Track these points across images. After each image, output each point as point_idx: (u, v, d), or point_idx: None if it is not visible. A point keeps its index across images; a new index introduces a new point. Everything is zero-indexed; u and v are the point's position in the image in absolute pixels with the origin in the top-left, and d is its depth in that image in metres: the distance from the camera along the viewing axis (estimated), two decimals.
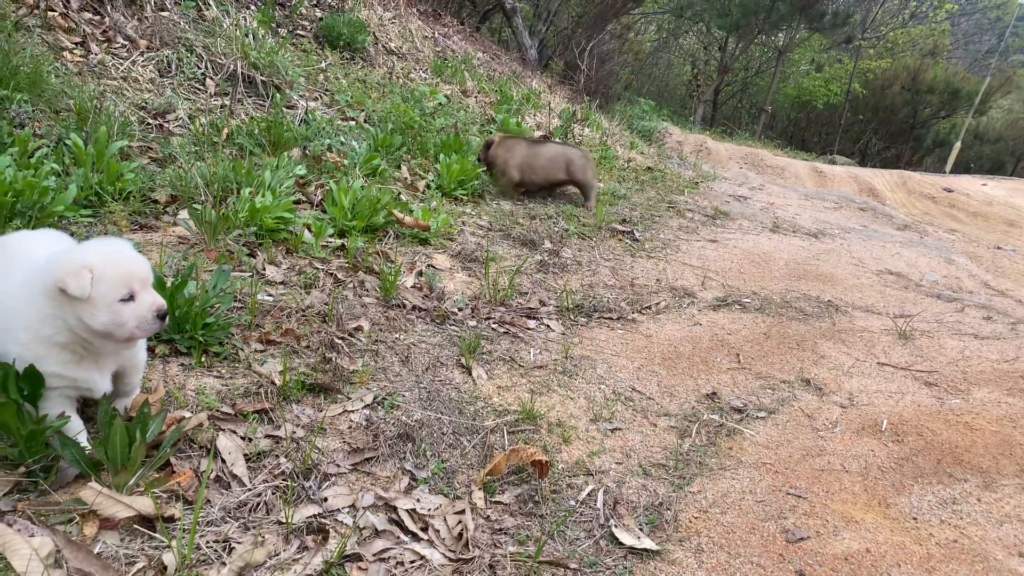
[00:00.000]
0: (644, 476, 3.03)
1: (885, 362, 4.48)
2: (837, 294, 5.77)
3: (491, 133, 8.48)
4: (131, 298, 2.18)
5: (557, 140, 8.94)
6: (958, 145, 26.34)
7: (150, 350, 2.87)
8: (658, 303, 5.08)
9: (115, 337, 2.20)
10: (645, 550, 2.56)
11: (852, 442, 3.49)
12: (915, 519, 2.91)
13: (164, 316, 2.24)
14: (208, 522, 2.27)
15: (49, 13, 5.84)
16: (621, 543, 2.57)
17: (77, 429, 2.32)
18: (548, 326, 4.43)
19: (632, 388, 3.81)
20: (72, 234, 3.23)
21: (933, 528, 2.86)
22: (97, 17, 6.27)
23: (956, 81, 30.57)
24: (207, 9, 7.24)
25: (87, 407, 2.51)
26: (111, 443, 2.20)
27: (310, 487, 2.52)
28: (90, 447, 2.30)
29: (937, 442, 3.52)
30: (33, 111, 4.70)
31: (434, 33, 12.30)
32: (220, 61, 6.60)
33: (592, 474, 2.99)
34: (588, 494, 2.85)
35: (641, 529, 2.67)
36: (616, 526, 2.66)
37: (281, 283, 4.01)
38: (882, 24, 33.95)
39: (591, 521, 2.69)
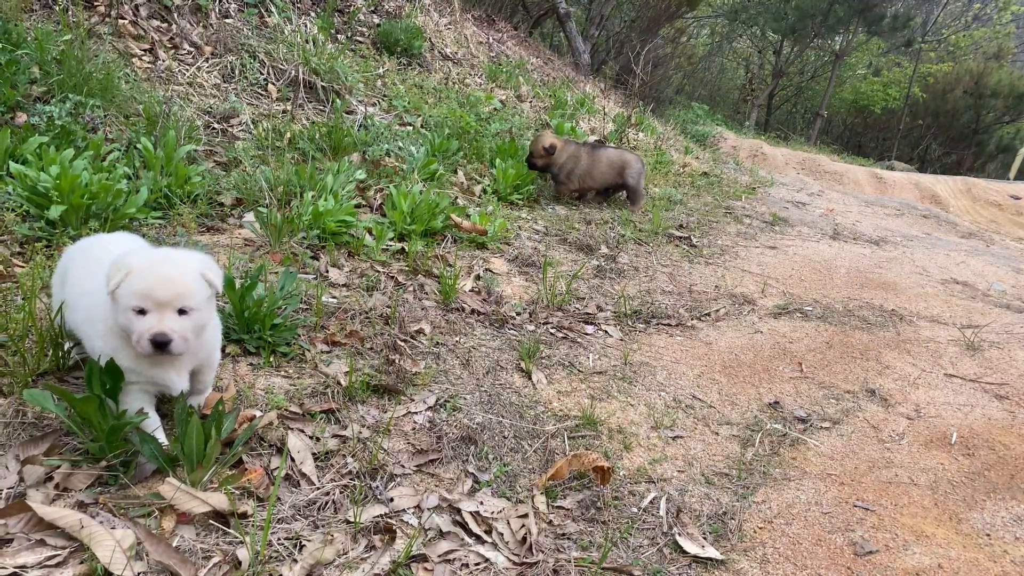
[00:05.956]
0: (707, 485, 3.00)
1: (953, 373, 4.36)
2: (901, 303, 5.64)
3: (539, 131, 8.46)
4: (143, 312, 2.16)
5: (611, 145, 8.91)
6: (1023, 151, 25.51)
7: (220, 350, 2.93)
8: (717, 310, 5.02)
9: (132, 342, 2.19)
10: (709, 559, 2.53)
11: (920, 455, 3.40)
12: (988, 535, 2.83)
13: (161, 344, 2.16)
14: (279, 519, 2.31)
15: (119, 21, 6.02)
16: (685, 551, 2.55)
17: (154, 425, 2.39)
18: (606, 332, 4.41)
19: (693, 396, 3.77)
20: (143, 236, 3.31)
21: (1008, 545, 2.78)
22: (164, 24, 6.45)
23: (1022, 85, 29.60)
24: (269, 16, 7.39)
25: (162, 404, 2.58)
26: (187, 440, 2.26)
27: (376, 487, 2.55)
28: (167, 443, 2.37)
29: (1010, 457, 3.42)
30: (105, 116, 4.85)
31: (488, 38, 12.36)
32: (281, 67, 6.74)
33: (654, 481, 2.97)
34: (650, 501, 2.82)
35: (705, 538, 2.64)
36: (680, 534, 2.63)
37: (344, 285, 4.07)
38: (944, 27, 33.07)
39: (654, 529, 2.67)
